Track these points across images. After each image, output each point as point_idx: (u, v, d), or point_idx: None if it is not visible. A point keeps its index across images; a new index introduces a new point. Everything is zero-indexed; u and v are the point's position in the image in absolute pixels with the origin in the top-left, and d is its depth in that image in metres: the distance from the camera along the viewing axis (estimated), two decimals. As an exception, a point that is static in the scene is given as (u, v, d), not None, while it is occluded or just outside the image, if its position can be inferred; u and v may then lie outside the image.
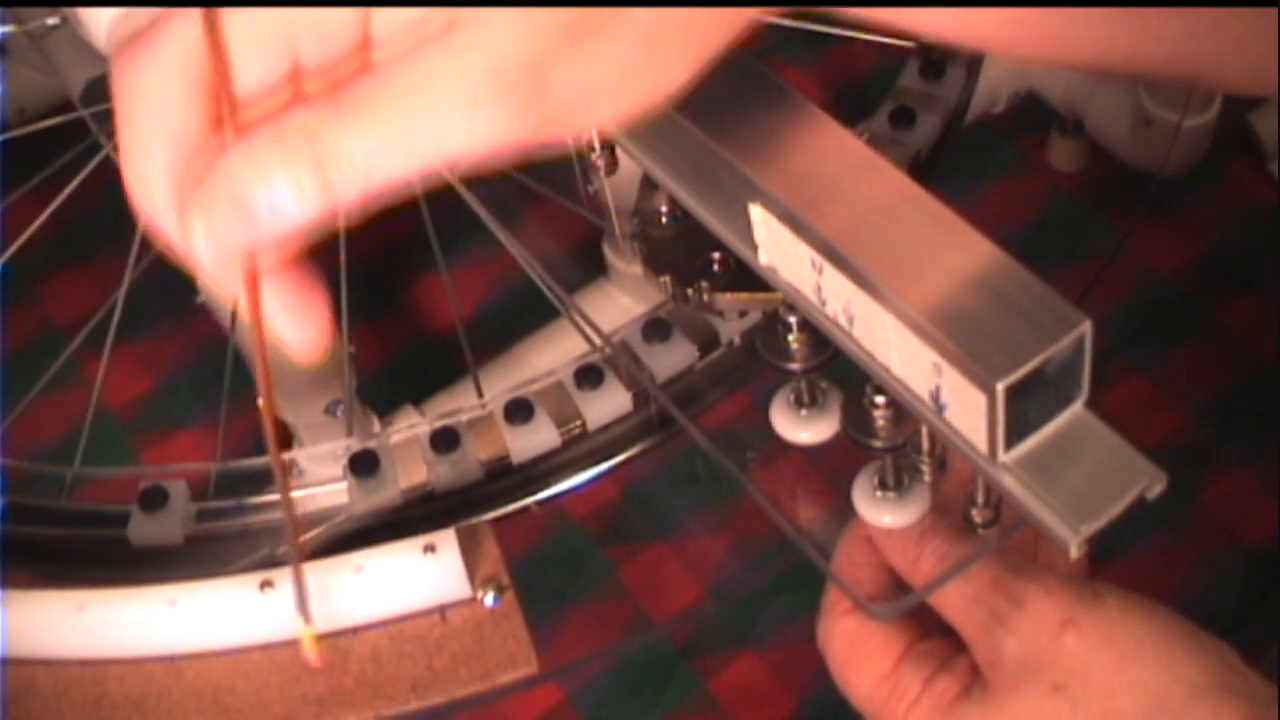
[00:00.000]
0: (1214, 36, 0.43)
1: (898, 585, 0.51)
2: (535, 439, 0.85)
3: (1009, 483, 0.38)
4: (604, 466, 0.87)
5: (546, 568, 1.19)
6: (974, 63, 0.95)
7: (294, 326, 0.38)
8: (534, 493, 0.87)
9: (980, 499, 0.45)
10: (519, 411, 0.85)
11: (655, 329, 0.84)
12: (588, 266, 1.14)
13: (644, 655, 1.14)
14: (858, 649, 0.50)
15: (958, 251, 0.37)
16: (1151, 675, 0.45)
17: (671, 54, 0.35)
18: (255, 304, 0.38)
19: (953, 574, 0.47)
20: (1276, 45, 0.43)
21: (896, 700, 0.49)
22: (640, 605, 1.17)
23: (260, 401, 0.40)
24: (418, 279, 1.33)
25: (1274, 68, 0.44)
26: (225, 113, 0.34)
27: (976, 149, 1.35)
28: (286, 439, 1.12)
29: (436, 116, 0.33)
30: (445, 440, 0.84)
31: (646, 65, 0.35)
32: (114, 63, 0.35)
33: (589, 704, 1.13)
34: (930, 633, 0.50)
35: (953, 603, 0.48)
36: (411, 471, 0.83)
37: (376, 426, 1.09)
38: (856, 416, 0.43)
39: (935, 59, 0.94)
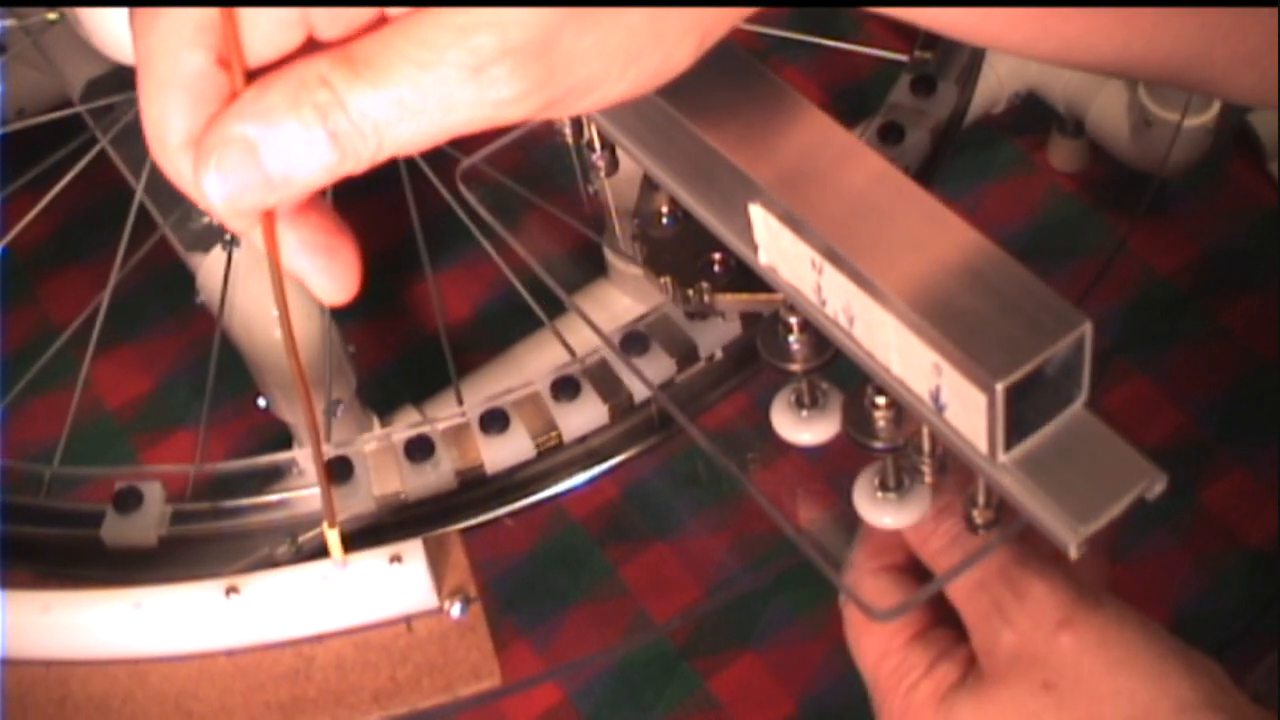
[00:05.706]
0: (1230, 41, 0.43)
1: (914, 579, 0.51)
2: (510, 449, 0.84)
3: (1009, 483, 0.38)
4: (582, 478, 0.87)
5: (546, 568, 1.19)
6: (966, 79, 0.95)
7: (317, 269, 0.38)
8: (509, 503, 0.86)
9: (981, 499, 0.45)
10: (495, 421, 0.84)
11: (632, 342, 0.84)
12: (587, 267, 1.14)
13: (644, 655, 1.14)
14: None
15: (958, 251, 0.37)
16: (1141, 685, 0.45)
17: (677, 32, 0.35)
18: (273, 246, 0.37)
19: (962, 569, 0.48)
20: None
21: (900, 678, 0.49)
22: (640, 605, 1.17)
23: (280, 339, 0.39)
24: (418, 279, 1.33)
25: None
26: (233, 57, 0.34)
27: (976, 149, 1.35)
28: (286, 439, 1.12)
29: (445, 79, 0.33)
30: (420, 449, 0.83)
31: (654, 43, 0.35)
32: (133, 16, 0.35)
33: (589, 704, 1.13)
34: (943, 618, 0.51)
35: (958, 587, 0.49)
36: (385, 479, 0.82)
37: (377, 426, 1.09)
38: (857, 417, 0.43)
39: (928, 75, 0.93)
